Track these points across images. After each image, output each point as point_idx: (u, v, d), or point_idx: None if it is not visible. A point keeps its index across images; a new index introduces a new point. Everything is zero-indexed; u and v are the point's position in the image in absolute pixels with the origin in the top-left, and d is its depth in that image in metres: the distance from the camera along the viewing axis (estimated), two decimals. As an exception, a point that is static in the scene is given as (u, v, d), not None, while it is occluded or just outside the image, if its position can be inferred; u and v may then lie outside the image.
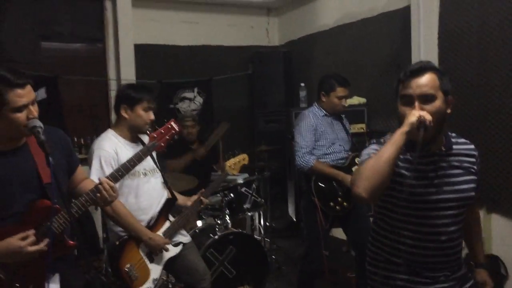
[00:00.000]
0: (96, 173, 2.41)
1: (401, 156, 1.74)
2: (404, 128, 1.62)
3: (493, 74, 3.37)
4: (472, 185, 1.76)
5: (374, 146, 1.80)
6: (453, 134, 1.82)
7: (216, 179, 3.26)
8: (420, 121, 1.60)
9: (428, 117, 1.60)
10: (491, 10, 3.36)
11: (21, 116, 1.74)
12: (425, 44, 3.86)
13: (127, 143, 2.58)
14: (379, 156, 1.63)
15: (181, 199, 2.84)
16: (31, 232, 1.78)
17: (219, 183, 3.07)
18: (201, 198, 2.86)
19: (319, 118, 3.36)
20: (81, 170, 2.14)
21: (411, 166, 1.70)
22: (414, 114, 1.62)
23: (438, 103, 1.66)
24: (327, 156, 3.33)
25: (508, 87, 3.28)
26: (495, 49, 3.34)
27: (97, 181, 1.99)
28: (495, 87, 3.36)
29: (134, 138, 2.62)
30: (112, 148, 2.50)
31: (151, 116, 2.57)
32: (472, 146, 1.82)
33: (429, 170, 1.74)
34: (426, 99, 1.66)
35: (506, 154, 3.34)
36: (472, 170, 1.78)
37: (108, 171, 2.29)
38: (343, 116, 3.53)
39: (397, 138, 1.63)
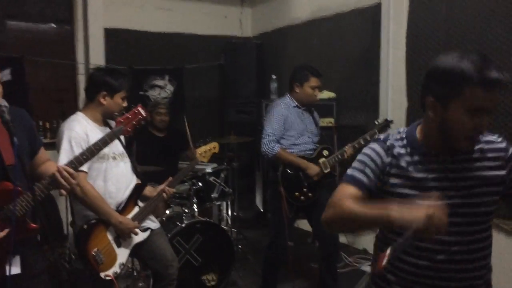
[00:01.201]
0: (66, 154, 2.37)
1: (403, 165, 1.49)
2: (396, 215, 1.29)
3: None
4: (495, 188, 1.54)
5: (374, 146, 1.56)
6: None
7: (184, 168, 3.25)
8: (428, 225, 1.22)
9: (440, 220, 1.24)
10: (457, 12, 3.47)
11: None
12: (393, 41, 3.96)
13: (96, 126, 2.56)
14: (354, 213, 1.41)
15: (146, 190, 2.83)
16: None
17: (188, 171, 3.07)
18: (166, 188, 2.83)
19: (289, 109, 3.40)
20: (43, 151, 2.10)
21: (414, 181, 1.49)
22: (424, 212, 1.23)
23: None
24: (295, 146, 3.38)
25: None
26: (459, 49, 3.46)
27: (65, 162, 1.97)
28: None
29: (104, 122, 2.61)
30: (82, 130, 2.47)
31: (125, 103, 2.60)
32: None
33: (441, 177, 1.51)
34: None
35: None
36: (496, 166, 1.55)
37: (78, 152, 2.26)
38: (313, 109, 3.59)
39: (378, 216, 1.34)
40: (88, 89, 2.62)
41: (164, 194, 2.82)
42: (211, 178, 3.86)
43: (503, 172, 1.46)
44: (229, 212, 4.71)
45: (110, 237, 2.53)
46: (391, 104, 4.02)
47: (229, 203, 4.65)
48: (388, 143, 1.53)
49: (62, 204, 4.29)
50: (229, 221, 4.69)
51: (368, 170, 1.52)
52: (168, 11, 5.51)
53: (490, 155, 1.47)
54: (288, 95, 3.47)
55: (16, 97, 1.79)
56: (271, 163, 3.42)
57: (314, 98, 3.43)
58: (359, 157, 1.58)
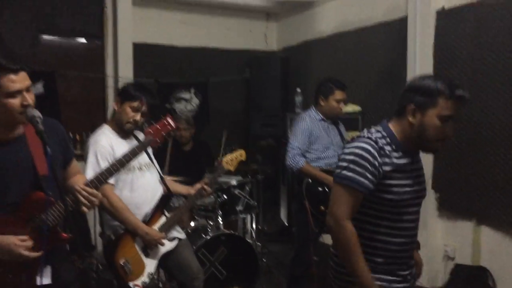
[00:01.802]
0: (92, 167, 2.42)
1: (395, 161, 1.76)
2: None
3: (486, 87, 3.43)
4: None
5: (368, 147, 1.73)
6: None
7: (215, 173, 3.23)
8: None
9: None
10: (486, 25, 3.42)
11: (15, 102, 1.74)
12: (420, 55, 3.92)
13: (121, 138, 2.62)
14: (350, 261, 1.71)
15: (183, 188, 2.89)
16: (28, 231, 1.79)
17: (219, 176, 3.07)
18: (204, 187, 2.85)
19: (315, 122, 3.40)
20: (75, 163, 2.14)
21: (405, 173, 1.78)
22: None
23: None
24: (320, 160, 3.37)
25: (501, 100, 3.34)
26: (489, 63, 3.40)
27: (91, 175, 2.01)
28: (488, 100, 3.42)
29: (124, 133, 2.64)
30: (108, 143, 2.52)
31: (137, 117, 2.58)
32: None
33: (413, 169, 1.83)
34: None
35: (497, 167, 3.39)
36: None
37: (104, 165, 2.31)
38: (339, 122, 3.57)
39: (362, 281, 1.70)
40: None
41: (204, 191, 2.84)
42: (236, 191, 3.87)
43: None
44: (254, 226, 4.70)
45: (137, 247, 2.56)
46: (418, 117, 3.96)
47: (253, 216, 4.64)
48: (379, 143, 1.73)
49: (91, 215, 4.36)
50: (254, 235, 4.67)
51: (369, 174, 1.70)
52: (194, 26, 5.61)
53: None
54: (313, 108, 3.48)
55: (48, 110, 1.84)
56: (296, 176, 3.42)
57: (339, 111, 3.42)
58: (355, 158, 1.71)
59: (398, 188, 1.74)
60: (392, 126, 1.80)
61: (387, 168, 1.72)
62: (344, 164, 1.74)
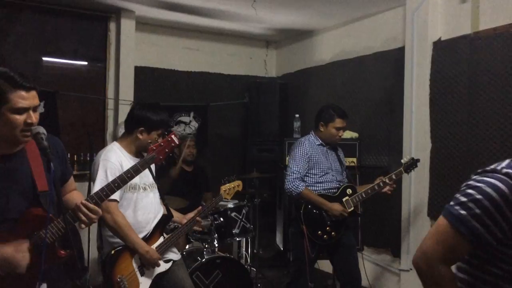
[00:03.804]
0: (101, 183, 2.43)
1: None
2: None
3: (482, 116, 3.49)
4: None
5: (499, 185, 1.25)
6: None
7: (209, 203, 3.27)
8: None
9: None
10: (480, 55, 3.51)
11: (19, 118, 1.75)
12: (417, 84, 3.99)
13: (130, 157, 2.64)
14: None
15: (176, 215, 2.89)
16: (27, 246, 1.80)
17: (212, 207, 3.10)
18: (197, 218, 2.88)
19: (314, 147, 3.43)
20: (72, 180, 2.16)
21: None
22: None
23: None
24: (318, 184, 3.39)
25: (497, 129, 3.39)
26: (484, 93, 3.47)
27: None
28: (484, 130, 3.47)
29: (138, 153, 2.69)
30: (117, 160, 2.55)
31: (160, 139, 2.60)
32: None
33: None
34: None
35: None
36: None
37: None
38: (338, 147, 3.61)
39: None
40: (128, 122, 2.69)
41: (197, 221, 2.87)
42: (233, 214, 3.87)
43: None
44: (249, 250, 4.67)
45: (135, 265, 2.56)
46: (415, 145, 4.02)
47: (249, 240, 4.62)
48: None
49: (85, 236, 4.34)
50: (249, 259, 4.64)
51: (487, 219, 1.24)
52: (196, 51, 5.72)
53: None
54: (313, 132, 3.51)
55: (48, 130, 1.86)
56: (294, 201, 3.43)
57: (338, 139, 3.47)
58: (474, 193, 1.27)
59: None
60: None
61: None
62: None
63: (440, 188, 3.79)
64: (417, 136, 4.00)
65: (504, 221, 1.22)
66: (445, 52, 3.79)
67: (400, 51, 4.27)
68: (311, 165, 3.39)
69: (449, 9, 3.83)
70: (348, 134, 4.56)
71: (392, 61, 4.43)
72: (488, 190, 1.25)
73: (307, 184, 3.37)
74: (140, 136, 2.62)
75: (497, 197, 1.23)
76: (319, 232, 3.31)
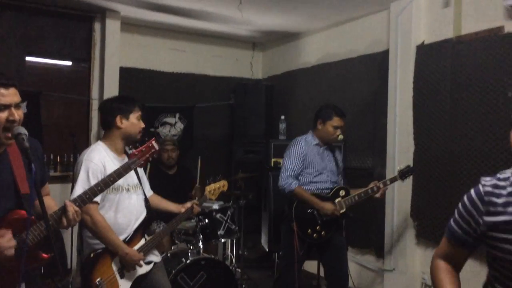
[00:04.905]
0: (82, 184, 2.42)
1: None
2: None
3: (464, 119, 3.55)
4: None
5: (470, 193, 1.45)
6: None
7: (200, 200, 3.26)
8: None
9: None
10: (463, 59, 3.57)
11: (1, 116, 1.74)
12: (401, 86, 4.05)
13: (115, 157, 2.62)
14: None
15: (174, 206, 2.93)
16: (10, 235, 1.77)
17: (201, 204, 3.11)
18: (194, 206, 2.93)
19: (310, 147, 3.46)
20: (47, 185, 2.15)
21: None
22: None
23: None
24: (312, 184, 3.43)
25: (478, 132, 3.45)
26: (466, 96, 3.53)
27: (80, 192, 2.02)
28: (466, 132, 3.53)
29: (123, 151, 2.68)
30: (100, 161, 2.53)
31: (142, 124, 2.68)
32: None
33: None
34: None
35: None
36: None
37: (94, 183, 2.31)
38: (336, 148, 3.64)
39: None
40: (104, 119, 2.70)
41: (192, 210, 2.93)
42: (218, 215, 3.87)
43: None
44: (234, 251, 4.68)
45: (114, 267, 2.53)
46: (398, 147, 4.07)
47: (234, 241, 4.63)
48: (487, 187, 1.41)
49: (67, 238, 4.30)
50: (234, 260, 4.65)
51: (461, 221, 1.45)
52: (182, 53, 5.71)
53: None
54: (311, 132, 3.55)
55: (30, 131, 1.85)
56: (287, 198, 3.46)
57: (334, 138, 3.49)
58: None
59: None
60: None
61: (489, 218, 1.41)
62: None
63: (423, 189, 3.84)
64: (400, 138, 4.06)
65: (471, 218, 1.43)
66: (428, 55, 3.85)
67: (384, 54, 4.32)
68: (306, 164, 3.41)
69: (432, 13, 3.89)
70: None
71: (376, 64, 4.48)
72: (464, 197, 1.48)
73: (301, 183, 3.39)
74: (121, 124, 2.62)
75: (466, 200, 1.46)
76: (309, 230, 3.34)
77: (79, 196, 1.98)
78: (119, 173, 2.12)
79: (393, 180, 3.39)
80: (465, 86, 3.54)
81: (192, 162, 5.29)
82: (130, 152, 2.33)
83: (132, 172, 2.58)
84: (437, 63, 3.76)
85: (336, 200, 3.38)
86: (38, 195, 1.75)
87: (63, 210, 1.86)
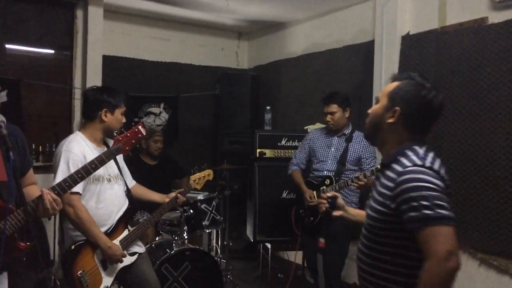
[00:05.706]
0: (62, 174, 2.35)
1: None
2: None
3: (447, 109, 3.56)
4: (379, 209, 1.58)
5: (435, 180, 1.50)
6: (419, 152, 1.62)
7: (185, 189, 3.22)
8: None
9: None
10: (446, 51, 3.59)
11: None
12: (386, 76, 4.05)
13: (94, 147, 2.56)
14: None
15: (158, 196, 2.94)
16: None
17: (186, 193, 3.08)
18: (179, 195, 2.94)
19: (317, 136, 3.74)
20: (31, 173, 2.10)
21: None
22: None
23: None
24: (314, 171, 3.69)
25: (461, 123, 3.48)
26: (450, 87, 3.55)
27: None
28: (449, 123, 3.55)
29: (102, 141, 2.63)
30: (80, 151, 2.47)
31: (124, 119, 2.66)
32: (400, 169, 1.56)
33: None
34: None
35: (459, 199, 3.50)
36: (386, 194, 1.58)
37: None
38: (353, 138, 3.59)
39: None
40: (87, 109, 2.62)
41: (177, 199, 2.96)
42: (203, 206, 3.84)
43: (388, 202, 1.56)
44: (219, 242, 4.66)
45: (97, 259, 2.49)
46: (383, 137, 4.08)
47: (219, 232, 4.61)
48: (441, 172, 1.55)
49: (50, 229, 4.24)
50: (219, 251, 4.64)
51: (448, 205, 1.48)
52: (166, 41, 5.63)
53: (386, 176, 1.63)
54: None
55: (10, 119, 1.80)
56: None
57: (329, 124, 3.63)
58: (434, 193, 1.46)
59: None
60: None
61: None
62: None
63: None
64: (385, 129, 4.06)
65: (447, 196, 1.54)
66: (413, 46, 3.86)
67: (370, 44, 4.32)
68: (311, 153, 3.73)
69: (417, 3, 3.90)
70: (317, 126, 4.60)
71: (362, 54, 4.48)
72: (435, 186, 1.52)
73: (309, 169, 3.71)
74: (105, 118, 2.56)
75: (439, 189, 1.53)
76: (301, 211, 3.68)
77: (58, 184, 1.94)
78: (101, 160, 2.07)
79: (372, 173, 3.37)
80: (449, 76, 3.56)
81: (177, 153, 5.26)
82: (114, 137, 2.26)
83: (112, 162, 2.54)
84: (422, 53, 3.77)
85: (321, 188, 3.42)
86: (17, 183, 1.71)
87: (40, 198, 1.82)
